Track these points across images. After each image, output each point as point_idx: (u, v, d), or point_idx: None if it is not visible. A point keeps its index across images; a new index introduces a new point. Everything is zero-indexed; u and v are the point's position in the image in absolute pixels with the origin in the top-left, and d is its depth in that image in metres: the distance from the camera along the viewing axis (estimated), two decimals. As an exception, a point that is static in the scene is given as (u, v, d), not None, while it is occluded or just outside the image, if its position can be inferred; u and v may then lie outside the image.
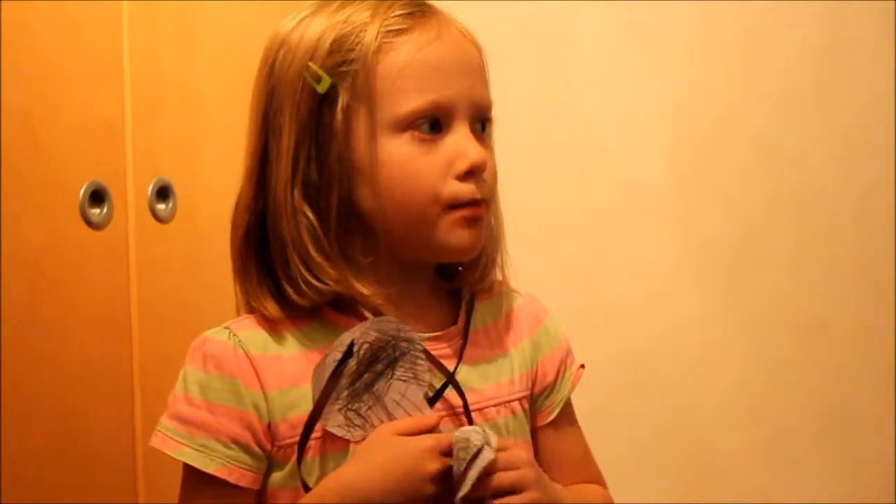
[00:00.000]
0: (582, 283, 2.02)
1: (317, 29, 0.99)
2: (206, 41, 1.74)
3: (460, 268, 1.07)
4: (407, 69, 0.98)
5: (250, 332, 1.00)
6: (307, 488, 0.97)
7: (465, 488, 0.94)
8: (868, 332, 1.97)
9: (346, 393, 0.97)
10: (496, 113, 1.05)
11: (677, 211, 2.01)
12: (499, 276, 1.09)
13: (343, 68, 0.98)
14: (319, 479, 0.97)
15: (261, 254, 1.01)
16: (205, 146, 1.73)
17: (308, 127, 0.98)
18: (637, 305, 2.01)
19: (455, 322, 1.05)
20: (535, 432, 1.10)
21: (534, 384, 1.09)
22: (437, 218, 0.99)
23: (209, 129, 1.74)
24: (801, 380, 1.98)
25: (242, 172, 1.03)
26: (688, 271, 2.01)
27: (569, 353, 1.13)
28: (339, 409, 0.97)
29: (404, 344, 0.98)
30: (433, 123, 0.98)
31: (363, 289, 0.98)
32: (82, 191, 1.50)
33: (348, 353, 0.97)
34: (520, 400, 1.07)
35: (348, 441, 0.98)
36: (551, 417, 1.10)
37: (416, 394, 0.99)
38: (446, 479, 0.95)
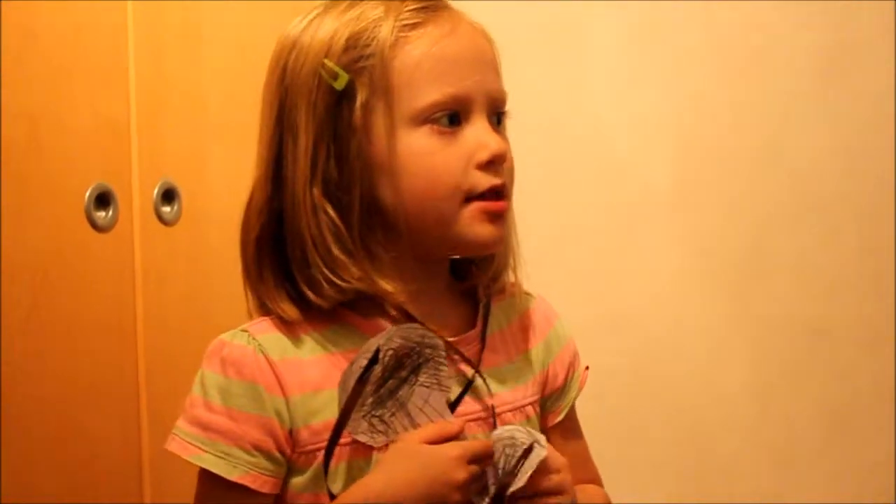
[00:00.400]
0: (588, 287, 2.02)
1: (329, 27, 0.99)
2: (212, 43, 1.74)
3: (474, 266, 1.07)
4: (424, 63, 0.98)
5: (269, 336, 0.99)
6: (332, 497, 0.97)
7: (519, 482, 0.95)
8: (872, 335, 1.97)
9: (370, 399, 0.96)
10: (504, 116, 1.05)
11: (682, 215, 2.01)
12: (511, 278, 1.09)
13: (360, 64, 0.97)
14: (345, 486, 0.97)
15: (276, 256, 1.00)
16: (210, 148, 1.73)
17: (326, 125, 0.98)
18: (643, 309, 2.01)
19: (472, 324, 1.05)
20: (542, 433, 1.10)
21: (545, 387, 1.09)
22: (459, 209, 0.98)
23: (215, 132, 1.74)
24: (806, 383, 1.98)
25: (255, 175, 1.02)
26: (693, 275, 2.01)
27: (576, 354, 1.13)
28: (364, 416, 0.96)
29: (428, 350, 0.98)
30: (452, 117, 0.98)
31: (386, 285, 0.98)
32: (87, 193, 1.50)
33: (374, 360, 0.96)
34: (532, 403, 1.07)
35: (372, 448, 0.97)
36: (559, 419, 1.10)
37: (439, 400, 0.98)
38: (473, 487, 0.95)
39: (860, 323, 1.97)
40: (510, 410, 1.04)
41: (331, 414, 0.97)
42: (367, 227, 0.98)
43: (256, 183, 1.01)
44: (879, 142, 1.95)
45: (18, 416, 1.38)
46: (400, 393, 0.97)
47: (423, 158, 0.97)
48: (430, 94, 0.97)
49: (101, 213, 1.52)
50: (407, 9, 0.99)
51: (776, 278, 1.99)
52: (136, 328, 1.57)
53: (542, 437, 0.98)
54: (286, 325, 0.99)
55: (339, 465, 0.97)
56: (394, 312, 0.99)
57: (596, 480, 1.13)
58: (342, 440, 0.97)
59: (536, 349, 1.09)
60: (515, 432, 0.97)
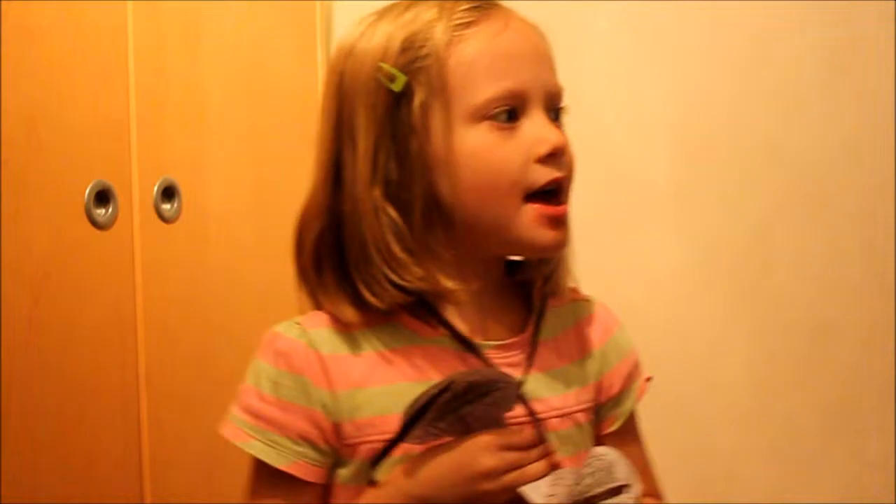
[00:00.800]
0: (588, 283, 2.01)
1: (384, 32, 1.00)
2: (212, 41, 1.74)
3: (527, 264, 1.07)
4: (480, 60, 0.99)
5: (321, 331, 1.01)
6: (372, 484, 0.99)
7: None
8: (873, 332, 1.97)
9: (431, 415, 0.96)
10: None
11: (683, 212, 2.01)
12: (570, 283, 1.10)
13: (416, 65, 0.99)
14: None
15: (335, 258, 1.01)
16: (210, 146, 1.73)
17: (385, 126, 0.99)
18: (642, 307, 2.01)
19: (525, 327, 1.06)
20: (598, 440, 1.10)
21: (599, 394, 1.10)
22: (518, 207, 0.99)
23: (215, 129, 1.74)
24: (806, 380, 1.98)
25: (313, 179, 1.03)
26: (693, 272, 2.01)
27: (636, 365, 1.14)
28: (421, 426, 0.97)
29: (503, 385, 0.98)
30: (510, 112, 0.99)
31: (448, 283, 0.99)
32: (87, 191, 1.50)
33: (445, 389, 0.96)
34: (585, 411, 1.07)
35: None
36: (613, 428, 1.11)
37: (499, 413, 0.99)
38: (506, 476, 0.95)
39: (860, 320, 1.97)
40: (557, 416, 1.04)
41: (374, 411, 0.99)
42: (427, 226, 0.99)
43: (314, 186, 1.03)
44: (881, 139, 1.95)
45: (18, 413, 1.38)
46: (462, 411, 0.97)
47: (483, 154, 0.98)
48: (487, 90, 0.98)
49: (101, 211, 1.52)
50: (460, 8, 1.00)
51: (776, 275, 1.99)
52: (136, 325, 1.57)
53: (638, 486, 0.97)
54: (340, 322, 1.01)
55: (387, 460, 0.99)
56: (446, 313, 1.00)
57: (654, 493, 1.14)
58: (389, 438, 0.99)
59: (592, 357, 1.09)
60: (619, 464, 0.97)
